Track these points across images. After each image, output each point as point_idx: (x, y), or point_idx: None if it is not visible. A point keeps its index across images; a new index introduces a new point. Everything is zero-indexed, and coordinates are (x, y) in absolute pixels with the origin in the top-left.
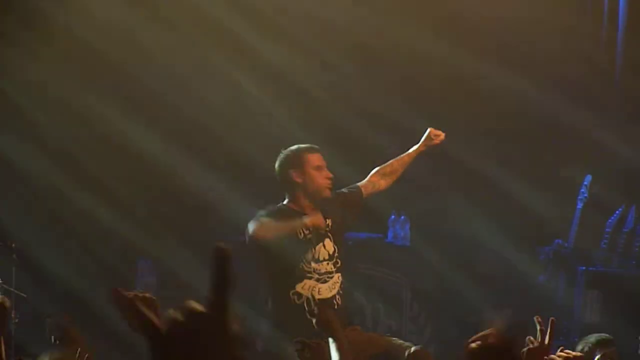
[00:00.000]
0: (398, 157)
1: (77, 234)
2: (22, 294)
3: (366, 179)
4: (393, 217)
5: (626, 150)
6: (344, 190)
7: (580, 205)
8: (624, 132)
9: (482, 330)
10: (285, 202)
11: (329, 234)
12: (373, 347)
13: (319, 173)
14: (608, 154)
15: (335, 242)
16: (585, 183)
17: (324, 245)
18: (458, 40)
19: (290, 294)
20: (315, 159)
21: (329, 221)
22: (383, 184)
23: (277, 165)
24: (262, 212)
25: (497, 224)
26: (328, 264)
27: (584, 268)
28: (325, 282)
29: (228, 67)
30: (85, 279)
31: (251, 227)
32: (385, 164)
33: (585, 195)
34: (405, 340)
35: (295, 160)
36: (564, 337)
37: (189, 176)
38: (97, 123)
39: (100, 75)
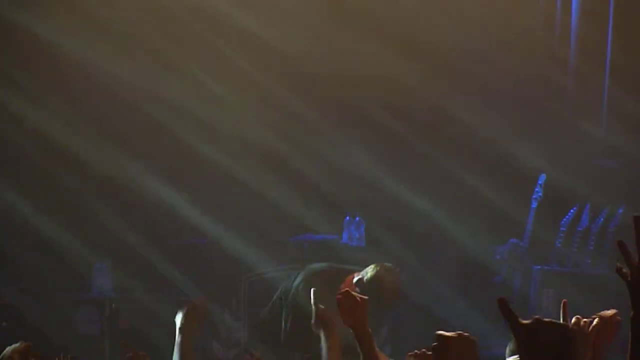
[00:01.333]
0: None
1: (32, 235)
2: None
3: None
4: (348, 218)
5: (580, 147)
6: None
7: (534, 204)
8: (578, 126)
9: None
10: (359, 283)
11: None
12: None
13: None
14: (562, 152)
15: None
16: (539, 182)
17: None
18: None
19: None
20: None
21: None
22: None
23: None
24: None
25: (455, 223)
26: None
27: (539, 267)
28: None
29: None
30: (41, 281)
31: None
32: None
33: (540, 194)
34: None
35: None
36: None
37: (147, 180)
38: (51, 128)
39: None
